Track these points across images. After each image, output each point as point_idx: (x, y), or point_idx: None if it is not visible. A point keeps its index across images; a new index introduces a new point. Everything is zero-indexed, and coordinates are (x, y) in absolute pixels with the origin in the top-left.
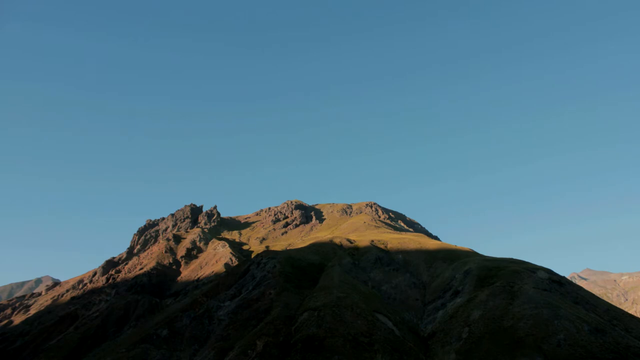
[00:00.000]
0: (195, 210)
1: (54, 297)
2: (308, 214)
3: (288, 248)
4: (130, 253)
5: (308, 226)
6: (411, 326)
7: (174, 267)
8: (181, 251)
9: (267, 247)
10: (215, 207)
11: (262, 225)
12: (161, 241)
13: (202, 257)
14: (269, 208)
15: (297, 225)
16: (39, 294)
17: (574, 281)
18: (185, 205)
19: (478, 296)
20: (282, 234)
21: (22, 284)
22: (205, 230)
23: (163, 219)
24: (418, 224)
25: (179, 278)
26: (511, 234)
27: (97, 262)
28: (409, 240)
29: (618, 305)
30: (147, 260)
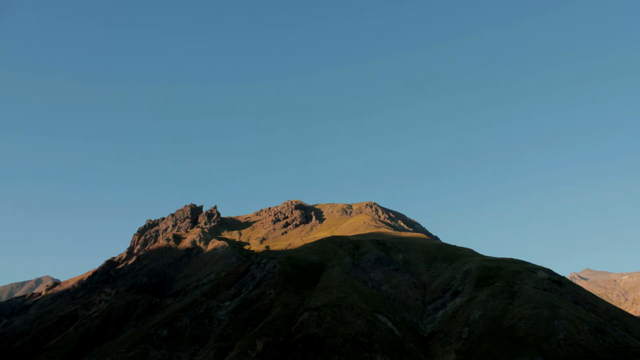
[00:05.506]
0: (195, 210)
1: (54, 297)
2: (308, 214)
3: (288, 248)
4: (130, 253)
5: (308, 226)
6: (411, 326)
7: (174, 267)
8: (181, 251)
9: (267, 247)
10: (215, 207)
11: (262, 225)
12: (161, 241)
13: (202, 257)
14: (269, 208)
15: (297, 225)
16: (39, 294)
17: (574, 281)
18: (185, 205)
19: (478, 296)
20: (282, 234)
21: (22, 284)
22: (205, 230)
23: (163, 219)
24: (418, 224)
25: (178, 278)
26: (511, 234)
27: (97, 262)
28: (409, 240)
29: (618, 305)
30: (147, 260)
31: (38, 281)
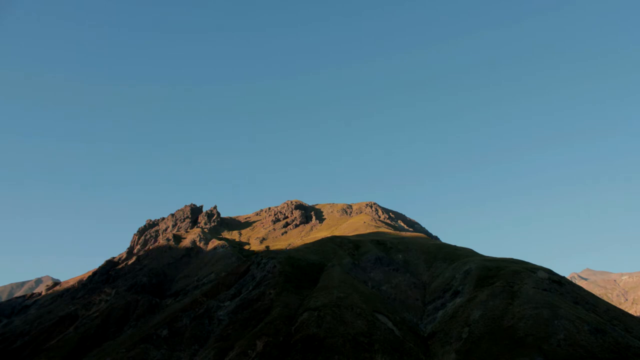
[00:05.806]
0: (195, 210)
1: (54, 297)
2: (308, 214)
3: (288, 248)
4: (130, 253)
5: (308, 226)
6: (411, 326)
7: (174, 267)
8: (181, 251)
9: (267, 247)
10: (215, 207)
11: (262, 225)
12: (161, 241)
13: (202, 257)
14: (269, 208)
15: (297, 225)
16: (39, 294)
17: (574, 281)
18: (185, 205)
19: (478, 296)
20: (282, 234)
21: (22, 284)
22: (205, 230)
23: (163, 219)
24: (418, 224)
25: (178, 278)
26: (511, 234)
27: (97, 262)
28: (409, 240)
29: (618, 305)
30: (147, 260)
31: (38, 281)
